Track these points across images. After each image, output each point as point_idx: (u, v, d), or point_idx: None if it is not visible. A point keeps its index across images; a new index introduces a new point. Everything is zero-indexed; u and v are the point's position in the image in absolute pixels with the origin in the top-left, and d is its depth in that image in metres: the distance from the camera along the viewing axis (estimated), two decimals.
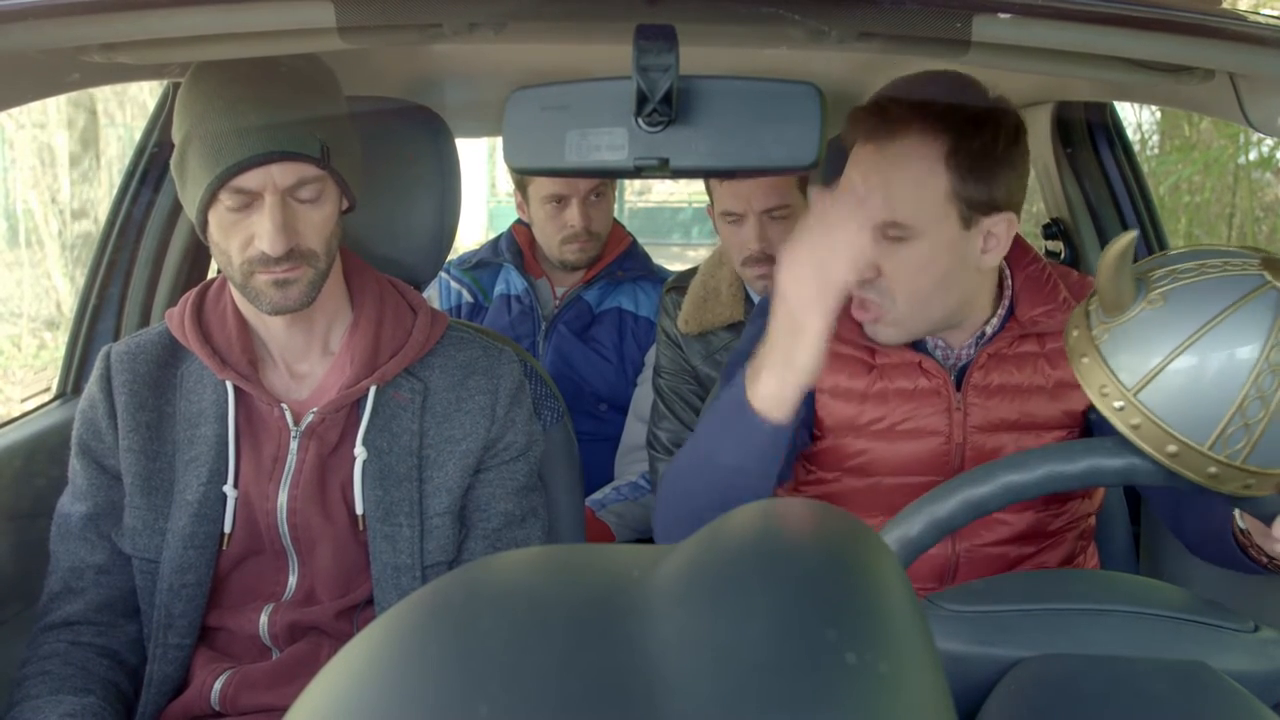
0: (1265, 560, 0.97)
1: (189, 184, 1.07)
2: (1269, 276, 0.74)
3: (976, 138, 1.10)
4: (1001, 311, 1.20)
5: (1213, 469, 0.75)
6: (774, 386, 0.97)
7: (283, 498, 1.13)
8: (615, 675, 0.33)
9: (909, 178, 1.09)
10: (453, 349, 1.21)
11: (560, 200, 1.98)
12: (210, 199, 1.05)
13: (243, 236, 1.06)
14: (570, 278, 2.09)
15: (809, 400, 1.22)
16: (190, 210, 1.08)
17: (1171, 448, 0.75)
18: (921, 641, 0.36)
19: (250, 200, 1.05)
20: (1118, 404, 0.76)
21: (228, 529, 1.12)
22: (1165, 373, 0.75)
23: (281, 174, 1.04)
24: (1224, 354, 0.73)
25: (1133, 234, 0.76)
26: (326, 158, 1.06)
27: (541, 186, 1.98)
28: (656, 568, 0.38)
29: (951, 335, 1.20)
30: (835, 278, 0.93)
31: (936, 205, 1.09)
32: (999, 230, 1.12)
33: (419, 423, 1.16)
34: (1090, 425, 1.19)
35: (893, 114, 1.10)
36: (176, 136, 1.08)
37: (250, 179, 1.04)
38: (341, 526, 1.14)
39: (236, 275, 1.09)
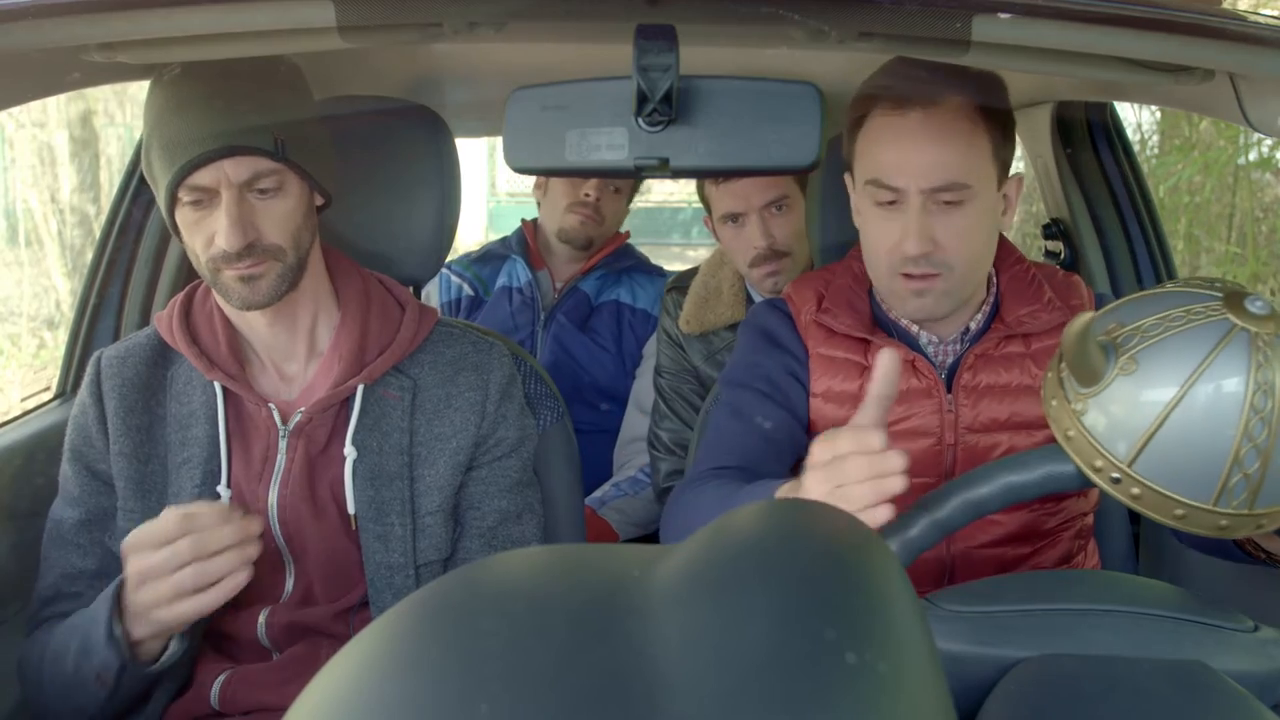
0: (1263, 555, 0.97)
1: (156, 187, 1.08)
2: (1234, 318, 0.72)
3: (998, 98, 1.14)
4: (987, 309, 1.22)
5: (1223, 521, 0.74)
6: None
7: (273, 497, 1.13)
8: (616, 675, 0.33)
9: (962, 136, 1.11)
10: (442, 345, 1.21)
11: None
12: (173, 200, 1.06)
13: (205, 234, 1.07)
14: (569, 269, 2.11)
15: (804, 402, 1.22)
16: (163, 214, 1.10)
17: (1178, 511, 0.74)
18: (922, 641, 0.36)
19: (209, 197, 1.06)
20: (1114, 476, 0.75)
21: None
22: (1155, 439, 0.73)
23: (234, 169, 1.05)
24: (1209, 410, 0.72)
25: (1090, 314, 0.74)
26: (281, 150, 1.06)
27: None
28: (657, 567, 0.38)
29: (943, 327, 1.21)
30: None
31: (984, 164, 1.13)
32: (1011, 192, 1.17)
33: (409, 420, 1.16)
34: None
35: (928, 79, 1.11)
36: (143, 143, 1.09)
37: (204, 176, 1.04)
38: (334, 526, 1.14)
39: (205, 273, 1.10)
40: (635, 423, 2.00)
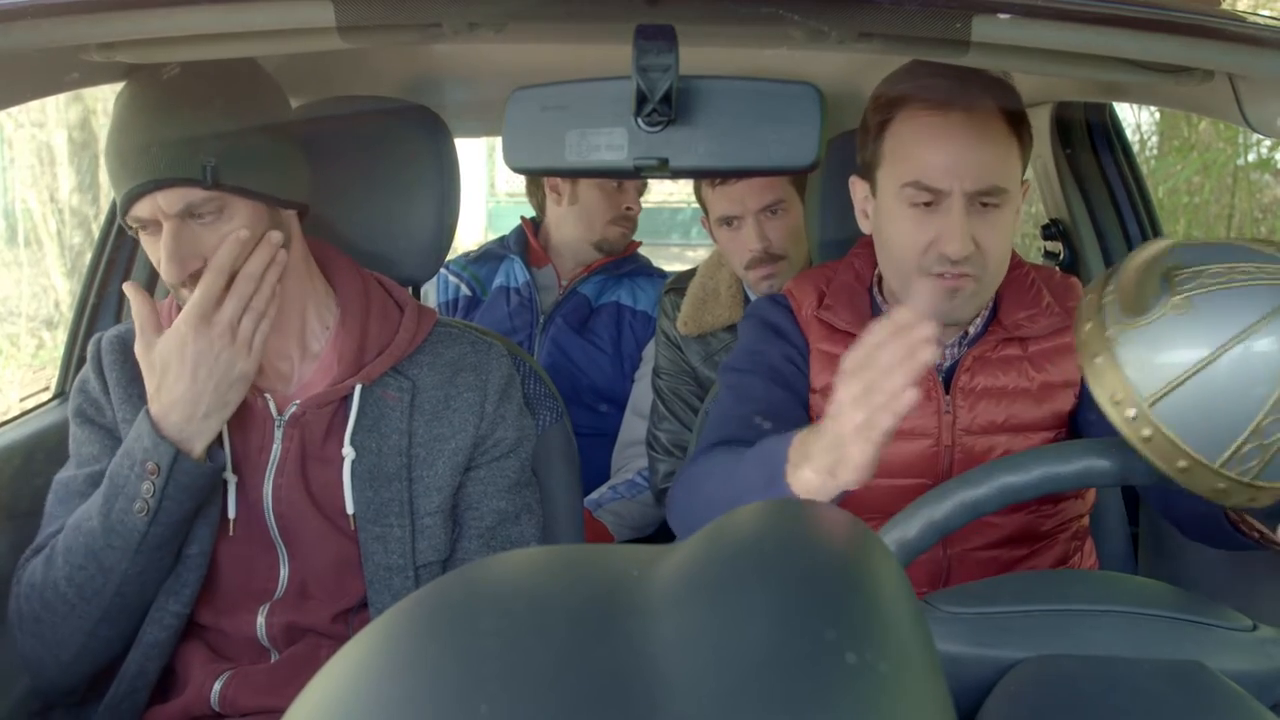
0: (1257, 535, 0.96)
1: None
2: None
3: (1018, 102, 1.15)
4: (985, 312, 1.21)
5: (1221, 484, 0.72)
6: (815, 484, 0.94)
7: (268, 487, 1.13)
8: (615, 675, 0.33)
9: (1001, 139, 1.12)
10: (441, 346, 1.21)
11: (620, 183, 2.06)
12: (130, 227, 1.08)
13: (156, 258, 1.07)
14: (576, 269, 2.10)
15: (805, 392, 1.22)
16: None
17: (1182, 463, 0.72)
18: (921, 642, 0.36)
19: (153, 227, 1.06)
20: (1130, 413, 0.73)
21: (232, 515, 1.13)
22: (1184, 386, 0.71)
23: (166, 201, 1.04)
24: (1247, 371, 0.69)
25: (1168, 243, 0.72)
26: (209, 178, 1.04)
27: None
28: (656, 567, 0.38)
29: (944, 330, 1.21)
30: (882, 423, 0.87)
31: (1017, 166, 1.14)
32: (1020, 196, 1.18)
33: (408, 422, 1.16)
34: (1078, 425, 1.19)
35: (962, 80, 1.10)
36: None
37: (141, 209, 1.05)
38: (331, 524, 1.14)
39: (170, 289, 1.11)
40: (633, 427, 2.00)
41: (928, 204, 1.11)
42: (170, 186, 1.03)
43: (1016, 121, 1.14)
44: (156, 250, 1.07)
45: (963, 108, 1.11)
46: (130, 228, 1.08)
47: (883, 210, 1.17)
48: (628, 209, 2.07)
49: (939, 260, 1.11)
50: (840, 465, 0.91)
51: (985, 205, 1.11)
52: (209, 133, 1.05)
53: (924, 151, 1.11)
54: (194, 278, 1.06)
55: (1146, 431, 0.73)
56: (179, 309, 1.18)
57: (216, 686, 1.12)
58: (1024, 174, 1.17)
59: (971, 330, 1.21)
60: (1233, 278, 0.71)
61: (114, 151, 1.06)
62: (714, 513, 1.06)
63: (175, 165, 1.03)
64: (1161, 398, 0.72)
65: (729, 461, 1.08)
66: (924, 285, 1.13)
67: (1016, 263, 1.24)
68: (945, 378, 1.19)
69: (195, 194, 1.04)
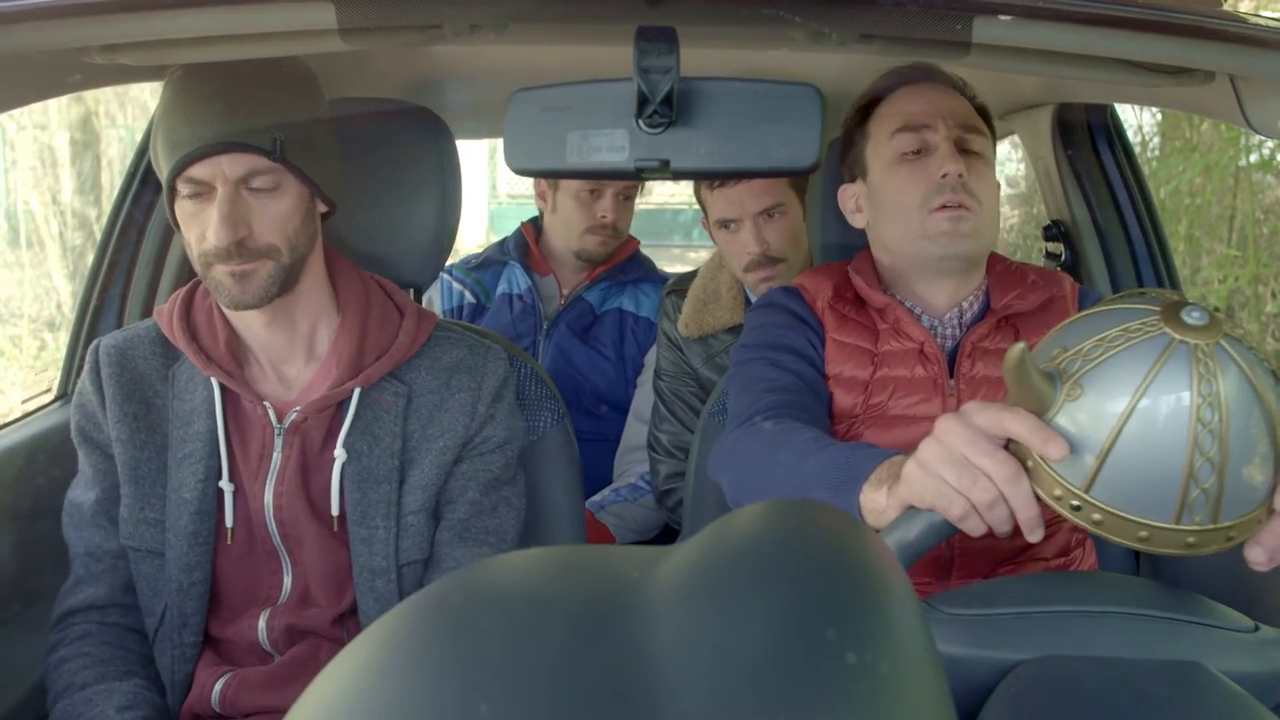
0: None
1: (162, 179, 1.09)
2: (1172, 332, 0.72)
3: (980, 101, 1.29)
4: (980, 295, 1.26)
5: (1190, 539, 0.73)
6: (880, 505, 0.89)
7: (269, 495, 1.13)
8: (615, 676, 0.33)
9: (970, 109, 1.26)
10: (439, 350, 1.21)
11: (594, 191, 2.03)
12: (172, 192, 1.07)
13: (199, 229, 1.07)
14: (577, 276, 2.10)
15: (823, 374, 1.25)
16: (165, 207, 1.11)
17: (1142, 533, 0.73)
18: (923, 642, 0.36)
19: (206, 191, 1.06)
20: (1074, 504, 0.75)
21: (230, 524, 1.13)
22: (1108, 462, 0.73)
23: (231, 165, 1.05)
24: (1157, 427, 0.71)
25: (1022, 345, 0.73)
26: (279, 151, 1.06)
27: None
28: (656, 568, 0.38)
29: (940, 305, 1.25)
30: (954, 510, 0.80)
31: (989, 139, 1.25)
32: None
33: (401, 425, 1.16)
34: None
35: (930, 66, 1.28)
36: (151, 136, 1.11)
37: (200, 169, 1.05)
38: (327, 529, 1.14)
39: (199, 268, 1.10)
40: (636, 432, 2.00)
41: (917, 152, 1.21)
42: (240, 151, 1.05)
43: (981, 110, 1.27)
44: (199, 219, 1.07)
45: (930, 80, 1.25)
46: (176, 193, 1.08)
47: (878, 185, 1.24)
48: (602, 218, 2.03)
49: (939, 190, 1.18)
50: (893, 482, 0.86)
51: (967, 153, 1.19)
52: (279, 111, 1.08)
53: (906, 105, 1.23)
54: (238, 246, 1.06)
55: (1096, 516, 0.74)
56: (183, 307, 1.18)
57: (217, 687, 1.12)
58: (993, 155, 1.27)
59: (965, 306, 1.25)
60: (1107, 347, 0.73)
61: (180, 116, 1.06)
62: (775, 486, 1.06)
63: (246, 133, 1.05)
64: (1094, 480, 0.73)
65: (793, 447, 1.05)
66: (936, 220, 1.18)
67: (1002, 258, 1.30)
68: (948, 366, 1.22)
69: (259, 163, 1.06)
